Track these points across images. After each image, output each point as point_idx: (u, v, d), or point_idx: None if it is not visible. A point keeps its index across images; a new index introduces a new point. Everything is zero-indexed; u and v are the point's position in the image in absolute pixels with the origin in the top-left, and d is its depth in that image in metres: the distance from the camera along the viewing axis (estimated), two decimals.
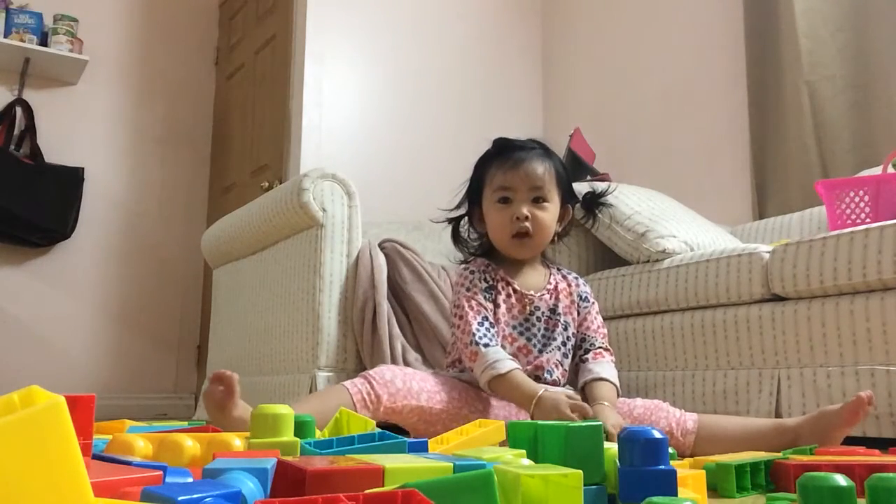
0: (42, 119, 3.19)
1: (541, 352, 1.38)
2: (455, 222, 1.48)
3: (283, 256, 2.00)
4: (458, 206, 1.47)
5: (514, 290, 1.40)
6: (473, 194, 1.44)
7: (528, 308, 1.40)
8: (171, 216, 3.50)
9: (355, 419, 0.91)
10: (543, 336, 1.40)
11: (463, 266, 1.45)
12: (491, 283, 1.39)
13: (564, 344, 1.41)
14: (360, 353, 1.87)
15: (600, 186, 1.55)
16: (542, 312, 1.41)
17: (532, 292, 1.41)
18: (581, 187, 1.58)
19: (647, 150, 2.97)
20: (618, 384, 1.36)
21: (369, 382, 1.24)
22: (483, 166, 1.43)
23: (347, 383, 1.25)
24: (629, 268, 1.94)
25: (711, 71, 2.77)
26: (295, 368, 1.87)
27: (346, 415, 0.92)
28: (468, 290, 1.38)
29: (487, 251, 1.47)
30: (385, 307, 1.87)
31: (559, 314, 1.41)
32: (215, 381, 1.09)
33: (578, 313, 1.45)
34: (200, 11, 3.71)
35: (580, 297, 1.46)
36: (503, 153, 1.39)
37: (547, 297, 1.42)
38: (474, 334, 1.31)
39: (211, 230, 2.49)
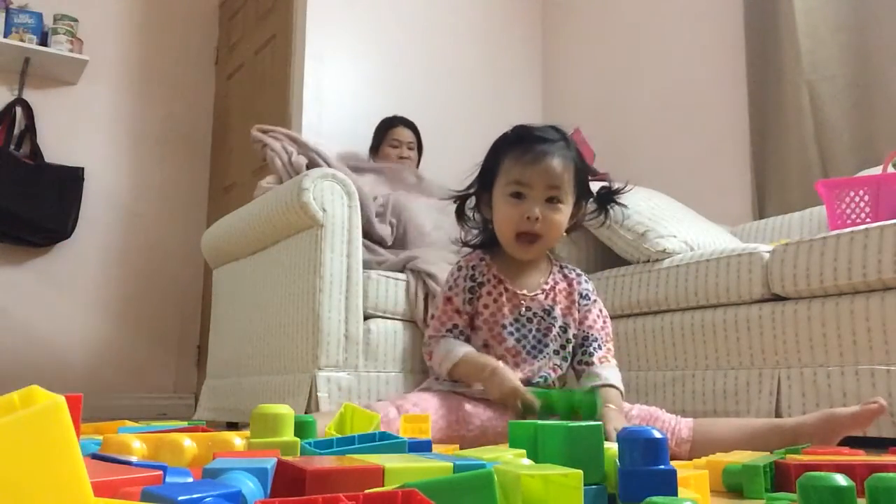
0: (42, 119, 3.19)
1: (534, 356, 1.33)
2: (461, 201, 1.43)
3: (283, 256, 2.00)
4: (468, 187, 1.41)
5: (506, 289, 1.34)
6: (485, 178, 1.37)
7: (519, 308, 1.34)
8: (171, 216, 3.50)
9: (360, 414, 0.91)
10: (535, 338, 1.34)
11: (457, 261, 1.41)
12: (479, 280, 1.35)
13: (563, 347, 1.35)
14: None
15: (616, 184, 1.44)
16: (535, 313, 1.34)
17: (524, 292, 1.35)
18: (595, 184, 1.48)
19: (647, 150, 2.97)
20: (622, 388, 1.33)
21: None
22: (499, 152, 1.35)
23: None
24: (629, 268, 1.94)
25: (711, 71, 2.77)
26: (295, 368, 1.87)
27: (351, 410, 0.92)
28: (450, 289, 1.37)
29: (488, 240, 1.41)
30: None
31: (555, 317, 1.35)
32: None
33: (579, 312, 1.38)
34: (200, 11, 3.71)
35: (581, 294, 1.39)
36: (523, 142, 1.31)
37: (542, 297, 1.36)
38: (436, 333, 1.34)
39: (211, 230, 2.49)
